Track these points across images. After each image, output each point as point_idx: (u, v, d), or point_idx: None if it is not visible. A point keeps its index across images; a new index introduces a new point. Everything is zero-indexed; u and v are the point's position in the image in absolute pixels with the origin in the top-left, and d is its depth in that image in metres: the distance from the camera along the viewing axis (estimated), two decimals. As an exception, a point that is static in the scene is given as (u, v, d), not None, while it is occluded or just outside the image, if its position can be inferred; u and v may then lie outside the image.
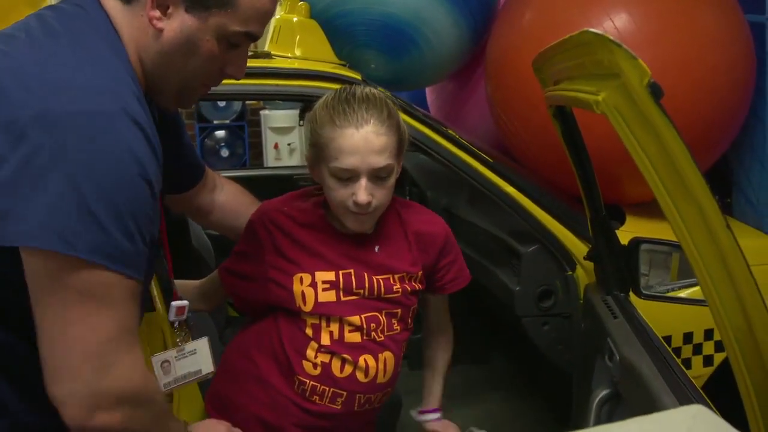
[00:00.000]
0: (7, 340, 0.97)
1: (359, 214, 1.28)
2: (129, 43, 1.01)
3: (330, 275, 1.33)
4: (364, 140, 1.24)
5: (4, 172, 0.85)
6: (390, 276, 1.36)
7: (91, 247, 0.86)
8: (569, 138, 1.48)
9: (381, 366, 1.35)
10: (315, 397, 1.34)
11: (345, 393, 1.34)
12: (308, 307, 1.32)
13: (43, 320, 0.89)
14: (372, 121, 1.25)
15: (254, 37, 1.07)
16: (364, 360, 1.33)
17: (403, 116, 1.82)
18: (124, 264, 0.90)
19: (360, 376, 1.34)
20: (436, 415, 1.53)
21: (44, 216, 0.85)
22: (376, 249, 1.37)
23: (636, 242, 1.61)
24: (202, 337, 1.35)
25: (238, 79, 1.12)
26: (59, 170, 0.85)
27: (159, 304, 1.35)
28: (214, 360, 1.36)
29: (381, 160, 1.25)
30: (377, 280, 1.35)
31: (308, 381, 1.33)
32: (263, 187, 1.98)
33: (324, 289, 1.32)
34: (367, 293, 1.34)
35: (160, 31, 1.00)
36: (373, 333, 1.34)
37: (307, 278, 1.33)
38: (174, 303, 1.31)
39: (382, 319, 1.35)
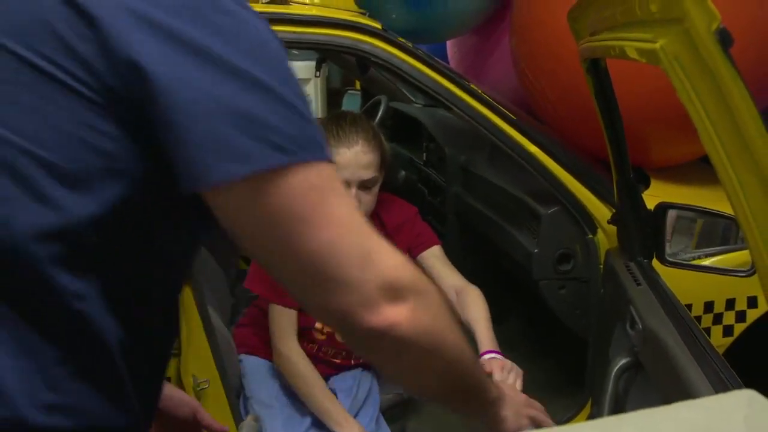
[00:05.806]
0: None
1: None
2: None
3: None
4: (354, 157, 1.50)
5: None
6: None
7: (301, 142, 0.74)
8: (601, 95, 1.40)
9: None
10: (321, 353, 1.73)
11: (344, 351, 1.73)
12: None
13: (283, 249, 0.74)
14: (360, 141, 1.51)
15: None
16: None
17: (424, 68, 1.78)
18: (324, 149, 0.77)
19: None
20: (489, 356, 1.60)
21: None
22: None
23: (663, 207, 1.55)
24: None
25: None
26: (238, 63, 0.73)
27: None
28: None
29: (368, 173, 1.53)
30: None
31: (317, 344, 1.72)
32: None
33: None
34: None
35: None
36: None
37: None
38: None
39: None
